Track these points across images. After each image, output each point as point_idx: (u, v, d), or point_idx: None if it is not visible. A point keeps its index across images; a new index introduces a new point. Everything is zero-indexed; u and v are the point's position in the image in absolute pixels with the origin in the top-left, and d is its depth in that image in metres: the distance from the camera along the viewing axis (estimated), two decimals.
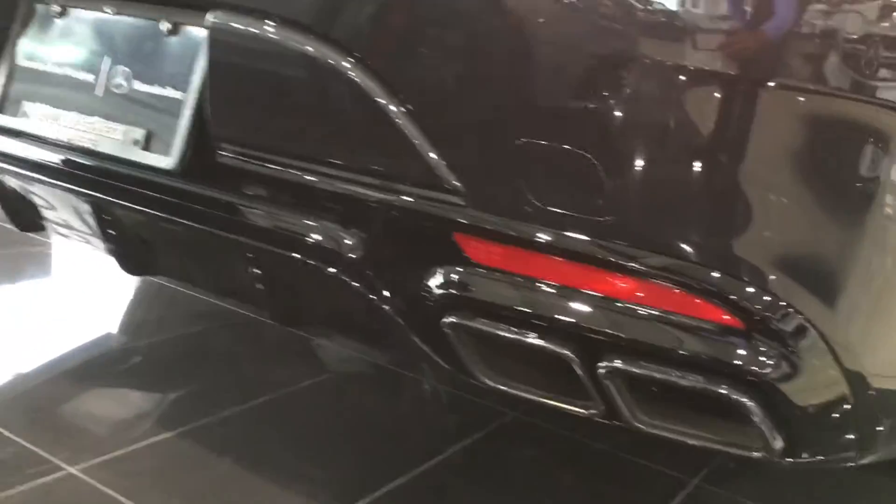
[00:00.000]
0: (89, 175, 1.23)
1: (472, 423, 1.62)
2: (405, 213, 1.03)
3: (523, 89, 0.95)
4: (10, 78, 1.32)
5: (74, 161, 1.25)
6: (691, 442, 0.97)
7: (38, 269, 2.30)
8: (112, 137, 1.19)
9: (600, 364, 0.94)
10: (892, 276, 0.98)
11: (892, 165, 0.93)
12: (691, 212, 0.92)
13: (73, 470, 1.33)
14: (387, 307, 1.06)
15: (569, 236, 0.94)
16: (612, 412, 0.98)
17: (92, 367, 1.73)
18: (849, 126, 0.94)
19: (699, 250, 0.92)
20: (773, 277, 0.92)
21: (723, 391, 0.92)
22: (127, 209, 1.21)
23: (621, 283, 0.94)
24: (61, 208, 1.36)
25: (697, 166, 0.92)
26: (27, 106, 1.29)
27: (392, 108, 1.00)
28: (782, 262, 0.93)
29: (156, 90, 1.17)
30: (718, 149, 0.91)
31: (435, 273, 1.02)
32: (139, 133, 1.17)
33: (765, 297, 0.91)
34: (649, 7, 0.90)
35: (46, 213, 1.41)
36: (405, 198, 1.02)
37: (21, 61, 1.31)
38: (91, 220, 1.27)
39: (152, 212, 1.18)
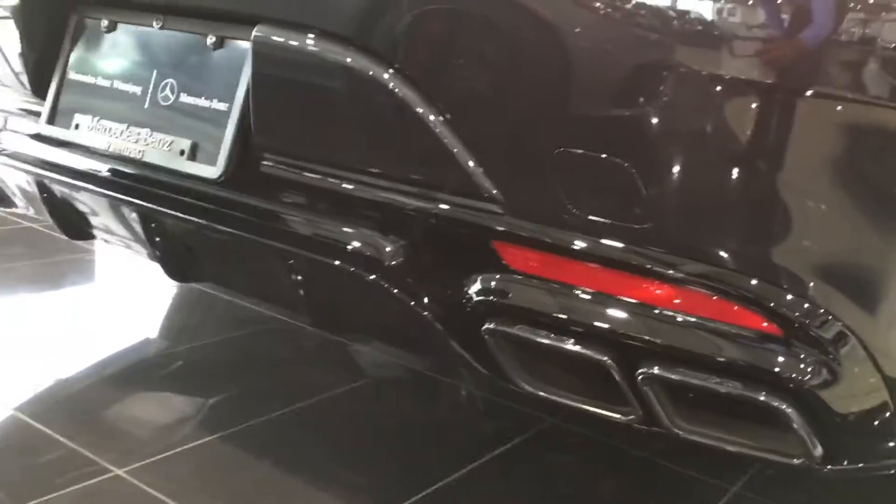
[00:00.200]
0: (137, 184, 1.27)
1: (509, 428, 1.63)
2: (444, 220, 1.05)
3: (561, 98, 0.96)
4: (61, 91, 1.36)
5: (123, 171, 1.29)
6: (730, 448, 0.97)
7: (80, 275, 2.35)
8: (159, 148, 1.23)
9: (639, 370, 0.95)
10: None
11: None
12: (730, 220, 0.93)
13: (119, 472, 1.36)
14: (426, 313, 1.08)
15: (607, 244, 0.95)
16: (651, 418, 0.98)
17: (134, 372, 1.77)
18: (888, 134, 0.93)
19: (738, 258, 0.92)
20: (812, 285, 0.92)
21: (762, 398, 0.92)
22: (173, 217, 1.24)
23: (659, 291, 0.95)
24: (109, 217, 1.40)
25: (736, 174, 0.92)
26: (78, 118, 1.33)
27: (431, 117, 1.02)
28: (821, 270, 0.93)
29: (201, 102, 1.20)
30: (757, 157, 0.92)
31: (474, 280, 1.03)
32: (185, 144, 1.20)
33: (804, 305, 0.92)
34: (686, 16, 0.91)
35: (95, 222, 1.45)
36: (444, 206, 1.04)
37: (72, 75, 1.35)
38: (138, 228, 1.30)
39: (197, 220, 1.21)
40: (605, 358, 0.96)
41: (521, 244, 1.00)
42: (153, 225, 1.29)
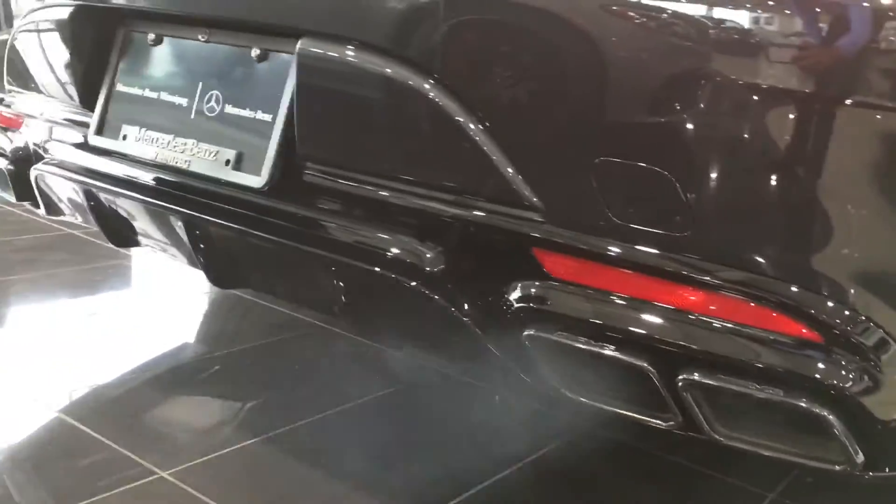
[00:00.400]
0: (183, 193, 1.30)
1: (544, 434, 1.63)
2: (485, 228, 1.07)
3: (601, 108, 0.98)
4: (109, 102, 1.40)
5: (169, 180, 1.32)
6: (771, 454, 0.97)
7: (120, 281, 2.40)
8: (205, 158, 1.26)
9: (680, 377, 0.96)
10: None
11: None
12: (771, 227, 0.94)
13: (164, 474, 1.39)
14: (467, 319, 1.09)
15: (647, 251, 0.97)
16: (691, 424, 0.99)
17: (173, 376, 1.80)
18: None
19: (778, 265, 0.93)
20: (852, 292, 0.93)
21: (803, 405, 0.92)
22: (217, 225, 1.27)
23: (699, 297, 0.96)
24: (155, 225, 1.43)
25: (776, 182, 0.93)
26: (125, 128, 1.37)
27: (471, 126, 1.03)
28: (862, 277, 0.94)
29: (246, 113, 1.23)
30: (797, 165, 0.92)
31: (515, 287, 1.05)
32: (230, 154, 1.23)
33: (845, 312, 0.92)
34: (724, 25, 0.92)
35: (140, 230, 1.48)
36: (485, 214, 1.06)
37: (119, 87, 1.39)
38: (183, 236, 1.33)
39: (242, 228, 1.23)
40: (646, 364, 0.97)
41: (562, 252, 1.02)
42: (198, 233, 1.32)
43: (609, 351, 0.99)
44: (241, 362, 1.88)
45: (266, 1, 1.20)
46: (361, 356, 1.97)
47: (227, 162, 1.23)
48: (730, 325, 0.95)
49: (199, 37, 1.30)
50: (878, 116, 0.92)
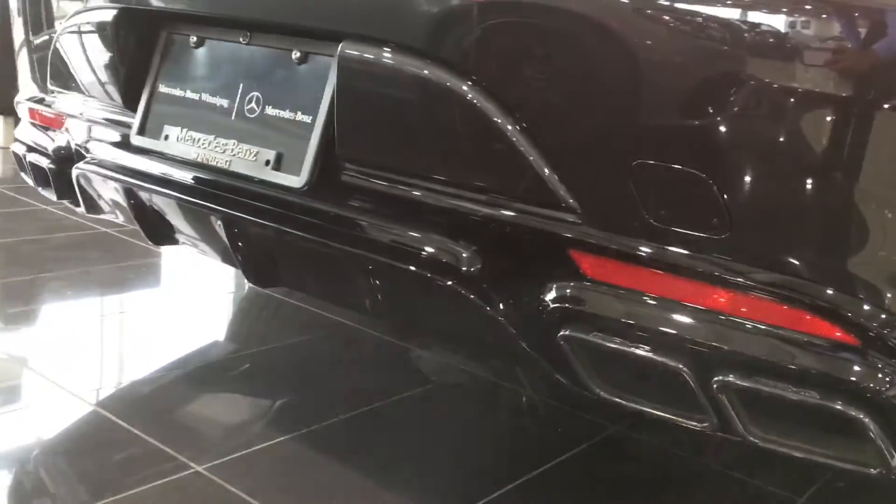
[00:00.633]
0: (223, 193, 1.32)
1: (572, 435, 1.64)
2: (521, 228, 1.08)
3: (639, 110, 0.98)
4: (151, 103, 1.43)
5: (210, 180, 1.34)
6: (805, 457, 0.98)
7: (152, 279, 2.44)
8: (245, 158, 1.28)
9: (715, 378, 0.97)
10: None
11: None
12: (808, 230, 0.94)
13: (199, 468, 1.41)
14: (502, 319, 1.11)
15: (683, 253, 0.97)
16: (726, 426, 1.00)
17: (205, 372, 1.83)
18: None
19: (815, 268, 0.94)
20: (889, 295, 0.93)
21: (838, 407, 0.93)
22: (257, 225, 1.29)
23: (735, 300, 0.97)
24: (194, 224, 1.46)
25: (813, 185, 0.93)
26: (167, 129, 1.39)
27: (509, 127, 1.05)
28: None
29: (286, 114, 1.26)
30: (834, 168, 0.93)
31: (551, 287, 1.06)
32: (271, 154, 1.25)
33: (881, 315, 0.92)
34: (761, 29, 0.92)
35: (179, 228, 1.51)
36: (521, 214, 1.07)
37: (161, 88, 1.42)
38: (222, 235, 1.36)
39: (281, 227, 1.25)
40: (681, 365, 0.98)
41: (598, 253, 1.03)
42: (237, 231, 1.34)
43: (645, 352, 1.00)
44: (271, 360, 1.91)
45: (307, 4, 1.22)
46: (391, 355, 1.99)
47: (267, 162, 1.25)
48: (766, 328, 0.95)
49: (241, 39, 1.33)
50: None
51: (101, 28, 1.48)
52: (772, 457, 1.00)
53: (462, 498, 1.41)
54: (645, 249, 1.00)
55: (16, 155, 1.83)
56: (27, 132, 1.81)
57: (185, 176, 1.37)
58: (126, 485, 1.34)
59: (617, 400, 1.05)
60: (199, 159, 1.34)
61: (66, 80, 1.63)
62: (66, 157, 1.63)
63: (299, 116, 1.24)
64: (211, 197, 1.32)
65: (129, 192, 1.47)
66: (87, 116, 1.61)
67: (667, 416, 1.04)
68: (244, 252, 1.35)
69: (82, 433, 1.53)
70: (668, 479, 1.56)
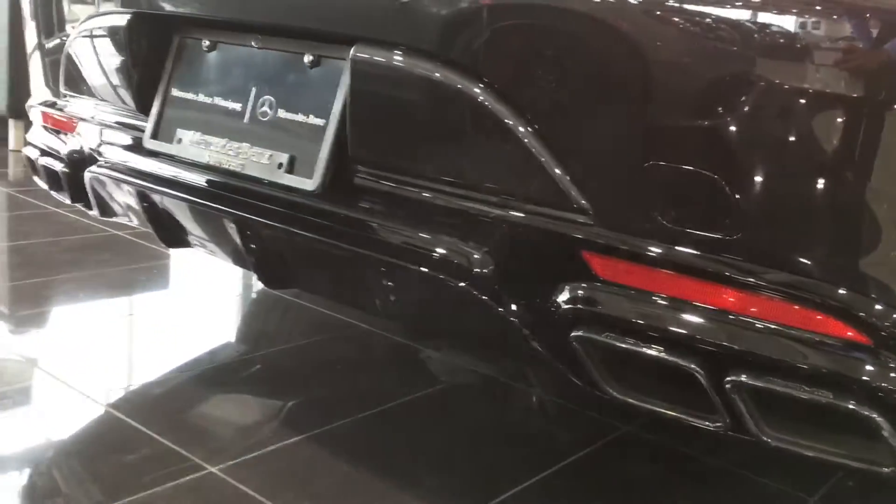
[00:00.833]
0: (236, 196, 1.33)
1: (583, 436, 1.65)
2: (533, 230, 1.08)
3: (650, 112, 0.99)
4: (164, 107, 1.44)
5: (222, 183, 1.35)
6: (818, 456, 0.98)
7: (163, 281, 2.45)
8: (258, 161, 1.29)
9: (728, 378, 0.97)
10: None
11: None
12: (820, 230, 0.95)
13: (213, 469, 1.42)
14: (514, 320, 1.12)
15: (696, 254, 0.98)
16: (739, 426, 1.00)
17: (217, 374, 1.83)
18: None
19: (827, 268, 0.94)
20: None
21: (851, 406, 0.93)
22: (270, 227, 1.30)
23: (748, 300, 0.97)
24: (208, 226, 1.47)
25: (825, 186, 0.94)
26: (180, 132, 1.40)
27: (521, 129, 1.05)
28: None
29: (299, 117, 1.27)
30: (845, 168, 0.93)
31: (563, 288, 1.07)
32: (283, 157, 1.26)
33: (893, 315, 0.93)
34: (773, 30, 0.93)
35: (193, 231, 1.52)
36: (533, 216, 1.08)
37: (174, 92, 1.43)
38: (235, 237, 1.37)
39: (294, 230, 1.26)
40: (694, 366, 0.99)
41: (611, 254, 1.03)
42: (250, 234, 1.35)
43: (657, 352, 1.00)
44: (282, 362, 1.91)
45: (320, 8, 1.23)
46: (400, 357, 1.99)
47: (280, 165, 1.26)
48: (778, 328, 0.96)
49: (253, 43, 1.34)
50: None
51: (114, 32, 1.49)
52: (783, 457, 1.01)
53: (473, 498, 1.41)
54: (657, 250, 1.00)
55: (28, 158, 1.84)
56: (40, 136, 1.82)
57: (199, 179, 1.38)
58: (140, 485, 1.35)
59: (629, 400, 1.06)
60: (211, 162, 1.35)
61: (78, 84, 1.65)
62: (79, 161, 1.65)
63: (312, 119, 1.25)
64: (224, 200, 1.33)
65: (143, 196, 1.48)
66: (99, 120, 1.62)
67: (679, 416, 1.04)
68: (257, 254, 1.36)
69: (95, 434, 1.54)
70: (680, 479, 1.56)
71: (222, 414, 1.67)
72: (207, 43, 1.39)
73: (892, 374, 0.92)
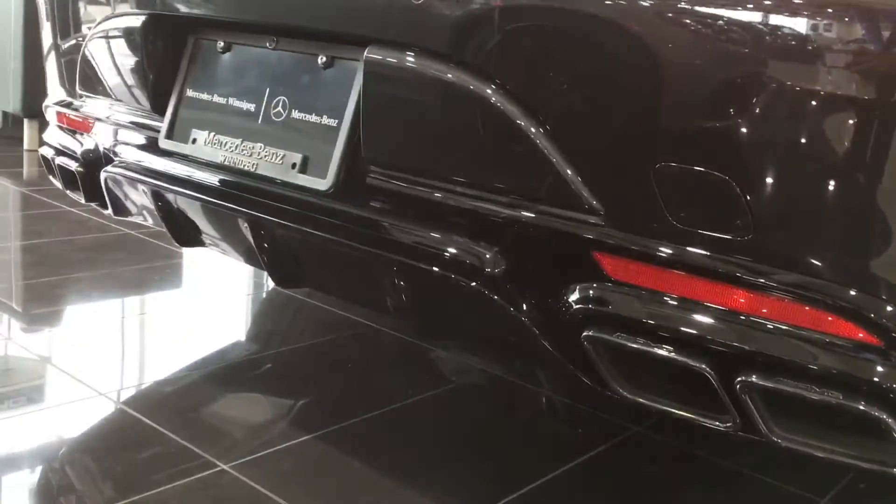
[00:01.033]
0: (249, 195, 1.34)
1: (592, 436, 1.65)
2: (544, 230, 1.09)
3: (662, 113, 1.00)
4: (179, 107, 1.45)
5: (236, 182, 1.37)
6: (828, 456, 0.98)
7: (175, 280, 2.46)
8: (272, 161, 1.30)
9: (738, 379, 0.98)
10: None
11: None
12: (831, 231, 0.95)
13: (225, 467, 1.43)
14: (525, 320, 1.12)
15: (707, 254, 0.98)
16: (749, 426, 1.00)
17: (229, 373, 1.84)
18: None
19: (838, 269, 0.94)
20: None
21: (861, 407, 0.94)
22: (283, 227, 1.31)
23: (758, 301, 0.98)
24: (221, 226, 1.48)
25: (836, 186, 0.94)
26: (195, 132, 1.42)
27: (533, 130, 1.06)
28: None
29: (312, 118, 1.28)
30: (857, 169, 0.93)
31: (574, 288, 1.07)
32: (297, 157, 1.27)
33: None
34: (785, 32, 0.93)
35: (206, 230, 1.53)
36: (545, 216, 1.08)
37: (189, 92, 1.44)
38: (248, 237, 1.38)
39: (307, 229, 1.27)
40: (704, 366, 0.99)
41: (622, 254, 1.04)
42: (263, 233, 1.36)
43: (668, 352, 1.01)
44: (293, 360, 1.92)
45: (334, 10, 1.24)
46: (410, 357, 2.00)
47: (294, 165, 1.27)
48: (789, 328, 0.96)
49: (267, 44, 1.35)
50: None
51: (129, 33, 1.51)
52: (793, 457, 1.01)
53: (483, 498, 1.41)
54: (668, 251, 1.01)
55: (44, 158, 1.86)
56: (55, 136, 1.84)
57: (213, 179, 1.40)
58: (153, 482, 1.36)
59: (640, 400, 1.06)
60: (226, 162, 1.36)
61: (94, 84, 1.66)
62: (95, 161, 1.66)
63: (325, 120, 1.26)
64: (238, 199, 1.35)
65: (157, 195, 1.49)
66: (114, 120, 1.64)
67: (690, 416, 1.05)
68: (270, 253, 1.37)
69: (108, 431, 1.55)
70: (690, 479, 1.56)
71: (234, 412, 1.68)
72: (222, 44, 1.40)
73: None
